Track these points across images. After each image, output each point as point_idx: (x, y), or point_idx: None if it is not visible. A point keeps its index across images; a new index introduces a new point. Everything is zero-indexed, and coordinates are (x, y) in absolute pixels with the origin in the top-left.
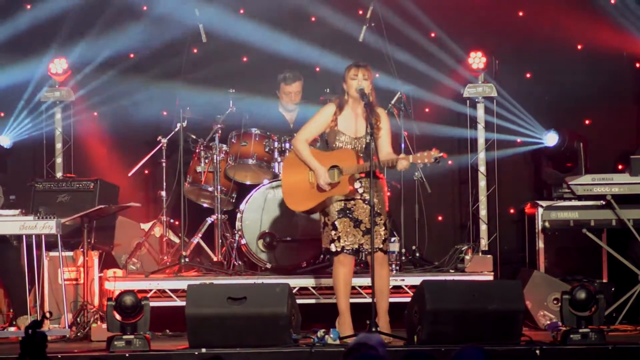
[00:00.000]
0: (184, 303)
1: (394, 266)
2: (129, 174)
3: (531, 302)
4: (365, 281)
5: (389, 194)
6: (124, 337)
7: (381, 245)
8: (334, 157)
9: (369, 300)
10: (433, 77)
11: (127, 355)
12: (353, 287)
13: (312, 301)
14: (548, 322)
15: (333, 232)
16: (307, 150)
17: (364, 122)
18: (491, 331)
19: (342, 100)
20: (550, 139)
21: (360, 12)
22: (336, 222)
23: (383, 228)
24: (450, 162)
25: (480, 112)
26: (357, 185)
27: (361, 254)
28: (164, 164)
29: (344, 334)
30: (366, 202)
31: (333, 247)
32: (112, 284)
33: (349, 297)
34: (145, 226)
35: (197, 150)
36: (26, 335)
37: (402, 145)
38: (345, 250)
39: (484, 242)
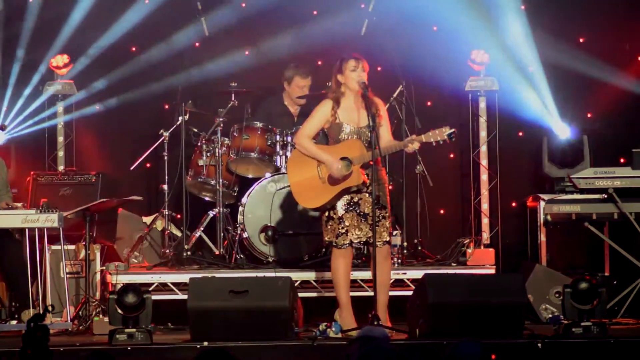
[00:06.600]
0: (186, 296)
1: (395, 259)
2: (131, 168)
3: (533, 296)
4: (367, 274)
5: (390, 187)
6: (126, 330)
7: (387, 239)
8: (341, 148)
9: (369, 293)
10: (435, 70)
11: (129, 348)
12: (354, 280)
13: (314, 294)
14: (550, 315)
15: (340, 226)
16: (313, 145)
17: (365, 112)
18: (493, 325)
19: (337, 93)
20: (563, 130)
21: (362, 6)
22: (343, 217)
23: (388, 221)
24: (452, 155)
25: (482, 105)
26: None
27: (366, 247)
28: (165, 158)
29: (345, 327)
30: (371, 194)
31: (341, 241)
32: (114, 277)
33: (349, 289)
34: (147, 219)
35: (199, 144)
36: (28, 328)
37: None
38: (352, 244)
39: (485, 236)
